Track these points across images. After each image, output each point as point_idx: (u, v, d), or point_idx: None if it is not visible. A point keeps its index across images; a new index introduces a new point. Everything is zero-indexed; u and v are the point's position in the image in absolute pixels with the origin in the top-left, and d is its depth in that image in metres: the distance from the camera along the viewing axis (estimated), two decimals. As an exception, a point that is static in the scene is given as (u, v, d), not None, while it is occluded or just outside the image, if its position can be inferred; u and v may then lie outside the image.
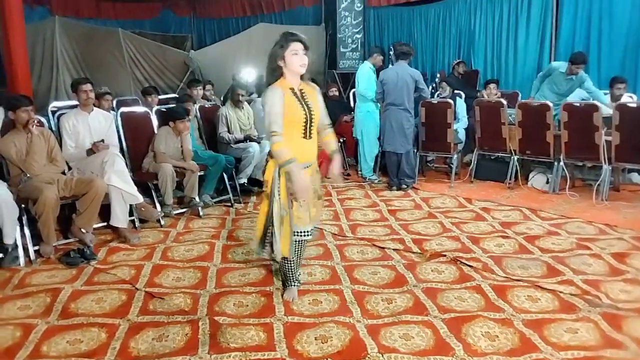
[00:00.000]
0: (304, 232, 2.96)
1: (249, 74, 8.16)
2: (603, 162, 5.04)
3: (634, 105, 5.07)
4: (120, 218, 4.15)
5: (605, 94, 5.89)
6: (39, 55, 8.12)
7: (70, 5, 10.91)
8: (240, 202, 5.30)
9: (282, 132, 2.75)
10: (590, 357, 2.46)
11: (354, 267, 3.58)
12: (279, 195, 2.85)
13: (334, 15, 9.58)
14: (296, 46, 2.77)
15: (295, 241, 2.98)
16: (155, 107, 5.38)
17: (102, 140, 4.40)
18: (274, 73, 2.84)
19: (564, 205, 4.98)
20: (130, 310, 3.00)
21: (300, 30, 10.39)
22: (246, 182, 5.58)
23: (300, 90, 2.86)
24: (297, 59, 2.77)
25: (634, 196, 5.29)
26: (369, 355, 2.50)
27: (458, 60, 8.78)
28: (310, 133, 2.87)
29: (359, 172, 6.35)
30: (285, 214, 2.86)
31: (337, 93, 7.77)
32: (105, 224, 4.29)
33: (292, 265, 3.09)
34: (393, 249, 3.89)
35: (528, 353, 2.50)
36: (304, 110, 2.82)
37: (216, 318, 2.88)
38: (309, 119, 2.83)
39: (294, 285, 3.15)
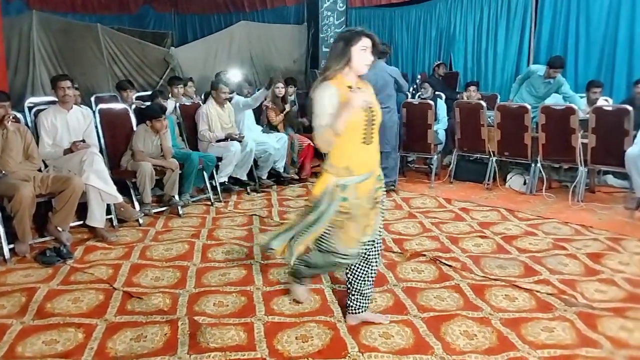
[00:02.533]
0: (349, 255, 2.58)
1: (235, 75, 8.11)
2: (579, 164, 5.14)
3: (610, 108, 5.18)
4: (97, 218, 4.09)
5: (582, 97, 6.01)
6: (15, 50, 7.94)
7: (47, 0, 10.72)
8: (220, 201, 5.27)
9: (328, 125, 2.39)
10: (567, 355, 2.50)
11: (334, 266, 3.58)
12: (325, 215, 2.48)
13: (316, 15, 9.58)
14: (367, 42, 2.46)
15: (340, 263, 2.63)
16: (134, 105, 5.31)
17: (83, 140, 4.33)
18: (335, 68, 2.48)
19: (540, 206, 5.06)
20: (107, 310, 2.96)
21: (283, 29, 10.44)
22: (227, 180, 5.55)
23: (359, 88, 2.46)
24: (364, 57, 2.47)
25: (609, 198, 5.40)
26: (349, 355, 2.51)
27: (438, 62, 8.87)
28: (371, 137, 2.51)
29: None
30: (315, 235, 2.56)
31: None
32: (82, 222, 4.21)
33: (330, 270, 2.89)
34: (373, 249, 3.90)
35: (505, 351, 2.53)
36: (365, 111, 2.44)
37: (196, 318, 2.86)
38: (370, 121, 2.48)
39: (302, 284, 2.98)
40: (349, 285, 2.79)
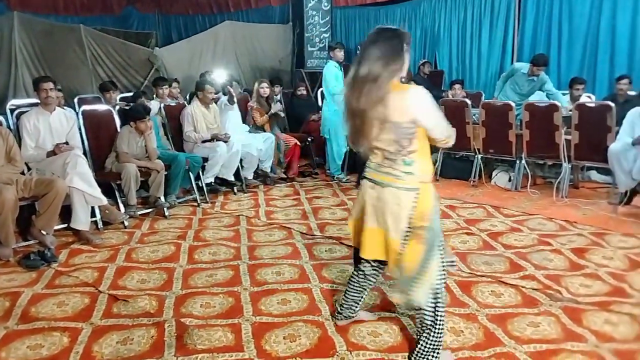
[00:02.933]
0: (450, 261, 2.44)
1: (219, 76, 8.07)
2: (563, 160, 5.20)
3: (592, 105, 5.24)
4: (82, 221, 4.04)
5: (565, 94, 6.08)
6: (-4, 52, 7.85)
7: (29, 0, 10.58)
8: (207, 202, 5.24)
9: None
10: (552, 349, 2.53)
11: (322, 265, 3.59)
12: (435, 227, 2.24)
13: (301, 15, 9.57)
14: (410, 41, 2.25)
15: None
16: (118, 106, 5.26)
17: (66, 143, 4.28)
18: (399, 70, 2.19)
19: (525, 203, 5.11)
20: (93, 313, 2.93)
21: (268, 28, 10.42)
22: (213, 181, 5.52)
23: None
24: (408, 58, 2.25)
25: (593, 193, 5.47)
26: (337, 353, 2.51)
27: (423, 61, 8.91)
28: None
29: (327, 171, 6.35)
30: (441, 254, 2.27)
31: (305, 92, 7.77)
32: (66, 225, 4.16)
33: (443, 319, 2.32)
34: (361, 247, 3.91)
35: (492, 347, 2.55)
36: None
37: (183, 320, 2.84)
38: None
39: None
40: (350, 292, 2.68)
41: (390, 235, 2.25)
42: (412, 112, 2.15)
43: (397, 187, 2.23)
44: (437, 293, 2.26)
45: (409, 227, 2.22)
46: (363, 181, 2.43)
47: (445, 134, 2.28)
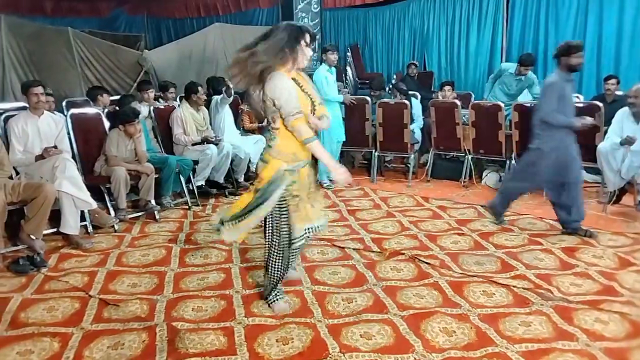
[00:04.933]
0: (311, 228, 2.81)
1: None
2: (552, 160, 5.22)
3: (581, 105, 5.27)
4: (71, 225, 4.00)
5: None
6: (-17, 56, 7.78)
7: (16, 3, 10.50)
8: (198, 205, 5.22)
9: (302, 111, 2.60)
10: (544, 349, 2.54)
11: (314, 267, 3.58)
12: (269, 200, 2.67)
13: (290, 17, 9.57)
14: (308, 38, 2.64)
15: (302, 238, 2.81)
16: (107, 109, 5.23)
17: (55, 146, 4.24)
18: (277, 61, 2.60)
19: (516, 203, 5.12)
20: (83, 318, 2.91)
21: (257, 30, 10.38)
22: (204, 184, 5.50)
23: (295, 79, 2.69)
24: (308, 52, 2.66)
25: (583, 193, 5.48)
26: (330, 355, 2.51)
27: (409, 63, 8.95)
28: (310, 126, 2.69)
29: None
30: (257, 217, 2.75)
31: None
32: (55, 229, 4.12)
33: (284, 264, 2.89)
34: (353, 249, 3.92)
35: (484, 347, 2.56)
36: (308, 99, 2.71)
37: (174, 324, 2.82)
38: (312, 109, 2.72)
39: (279, 299, 2.98)
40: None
41: None
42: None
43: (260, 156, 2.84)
44: (273, 242, 2.83)
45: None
46: None
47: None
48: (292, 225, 2.75)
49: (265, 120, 2.89)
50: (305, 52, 2.65)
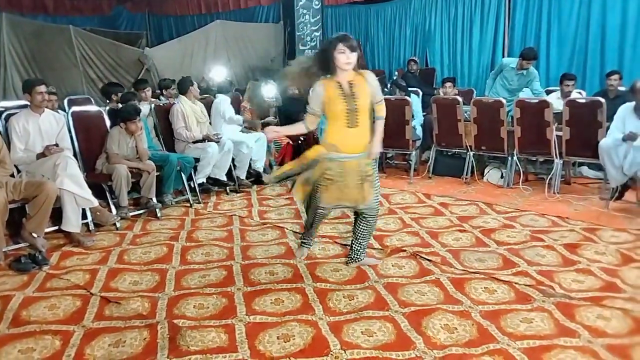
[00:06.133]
0: (341, 206, 3.45)
1: (218, 73, 8.08)
2: (554, 156, 5.22)
3: (583, 101, 5.26)
4: (73, 223, 4.01)
5: (555, 90, 6.10)
6: (-16, 54, 7.80)
7: (17, 1, 10.51)
8: (199, 202, 5.22)
9: (317, 112, 3.24)
10: (545, 345, 2.53)
11: (316, 264, 3.58)
12: (310, 171, 3.29)
13: (292, 13, 9.57)
14: (342, 46, 3.06)
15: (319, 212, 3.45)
16: (108, 107, 5.23)
17: (56, 144, 4.24)
18: (324, 69, 3.19)
19: (518, 199, 5.12)
20: (85, 316, 2.91)
21: (259, 27, 10.41)
22: (205, 181, 5.50)
23: (350, 82, 3.16)
24: (343, 57, 3.08)
25: (585, 189, 5.49)
26: (331, 352, 2.50)
27: (410, 59, 8.92)
28: (355, 122, 3.15)
29: None
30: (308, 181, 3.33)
31: (296, 91, 7.74)
32: (57, 227, 4.12)
33: (317, 220, 3.56)
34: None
35: (486, 344, 2.55)
36: (346, 102, 3.12)
37: (175, 321, 2.82)
38: (352, 110, 3.13)
39: (307, 246, 3.73)
40: (353, 238, 3.57)
41: None
42: None
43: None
44: (310, 200, 3.43)
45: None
46: None
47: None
48: (320, 197, 3.32)
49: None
50: (339, 58, 3.08)
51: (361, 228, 3.47)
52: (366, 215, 3.40)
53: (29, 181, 3.85)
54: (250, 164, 5.83)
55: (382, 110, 3.33)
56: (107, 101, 5.87)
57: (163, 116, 5.56)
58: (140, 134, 4.73)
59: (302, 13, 9.56)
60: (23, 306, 3.03)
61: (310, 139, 6.89)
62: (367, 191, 3.29)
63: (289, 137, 6.56)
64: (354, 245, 3.55)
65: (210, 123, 5.72)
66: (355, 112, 3.14)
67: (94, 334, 2.72)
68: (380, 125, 3.31)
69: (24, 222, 3.85)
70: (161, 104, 5.80)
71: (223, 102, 5.82)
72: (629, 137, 4.43)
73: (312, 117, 3.28)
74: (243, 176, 5.78)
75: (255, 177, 5.97)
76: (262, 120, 6.26)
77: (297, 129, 3.43)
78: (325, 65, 3.17)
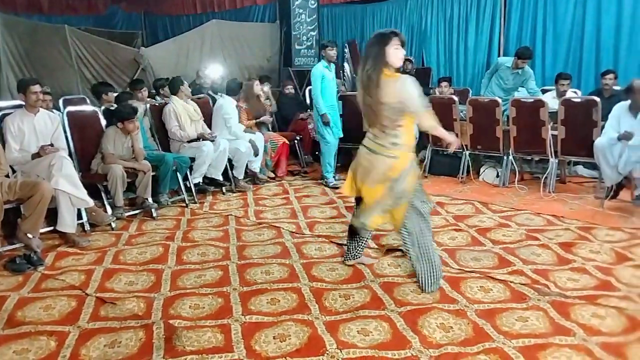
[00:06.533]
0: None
1: (214, 71, 8.07)
2: (550, 155, 5.23)
3: (578, 100, 5.28)
4: (68, 223, 4.00)
5: (551, 89, 6.11)
6: (-21, 54, 7.76)
7: (12, 1, 10.46)
8: (195, 202, 5.21)
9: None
10: (540, 344, 2.54)
11: (312, 264, 3.58)
12: (407, 190, 2.98)
13: (288, 13, 9.56)
14: (397, 42, 2.89)
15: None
16: (103, 107, 5.22)
17: (51, 144, 4.22)
18: (382, 63, 2.90)
19: (513, 198, 5.14)
20: (80, 316, 2.90)
21: (255, 27, 10.39)
22: (201, 181, 5.49)
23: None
24: (399, 53, 2.92)
25: (580, 188, 5.51)
26: (327, 352, 2.50)
27: (406, 58, 8.90)
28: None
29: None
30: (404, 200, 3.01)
31: (292, 90, 7.75)
32: (52, 228, 4.11)
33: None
34: (350, 245, 3.91)
35: (481, 342, 2.56)
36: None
37: (171, 321, 2.82)
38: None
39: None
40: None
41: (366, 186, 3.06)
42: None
43: (385, 155, 2.97)
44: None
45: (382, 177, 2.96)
46: (360, 147, 3.13)
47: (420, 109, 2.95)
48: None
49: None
50: (395, 54, 2.91)
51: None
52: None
53: (24, 181, 3.83)
54: (247, 164, 5.82)
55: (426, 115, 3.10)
56: (99, 100, 5.84)
57: (158, 116, 5.55)
58: (136, 133, 4.72)
59: (298, 12, 9.55)
60: (18, 307, 3.02)
61: (307, 139, 6.91)
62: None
63: (285, 136, 6.56)
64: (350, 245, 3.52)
65: (208, 122, 5.72)
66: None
67: (89, 334, 2.71)
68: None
69: (19, 222, 3.83)
70: (157, 104, 5.78)
71: (226, 106, 5.75)
72: (624, 137, 4.46)
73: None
74: (241, 176, 5.74)
75: (251, 178, 5.95)
76: (257, 120, 6.24)
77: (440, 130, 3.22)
78: (378, 61, 2.89)
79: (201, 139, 5.39)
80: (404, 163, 2.96)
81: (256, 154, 5.78)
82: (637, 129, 4.44)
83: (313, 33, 9.76)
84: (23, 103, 4.29)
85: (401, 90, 2.86)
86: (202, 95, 6.51)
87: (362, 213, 3.12)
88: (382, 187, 2.98)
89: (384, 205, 3.01)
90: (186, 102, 5.55)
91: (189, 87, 5.96)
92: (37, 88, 4.20)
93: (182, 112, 5.42)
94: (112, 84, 8.33)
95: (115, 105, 5.17)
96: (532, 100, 5.39)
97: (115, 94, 5.90)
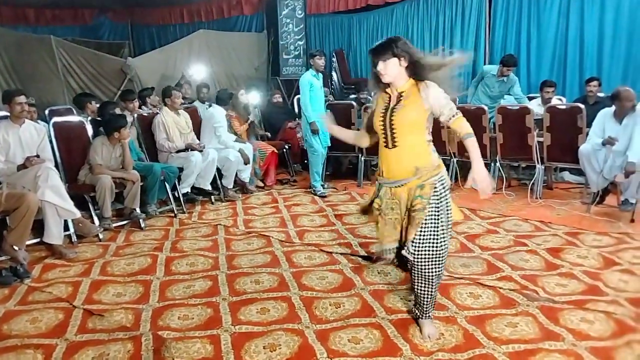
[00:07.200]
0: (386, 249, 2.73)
1: (198, 72, 8.06)
2: (536, 162, 5.28)
3: (563, 107, 5.34)
4: (55, 235, 3.96)
5: (536, 97, 6.18)
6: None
7: (-2, 11, 10.40)
8: (184, 212, 5.18)
9: (363, 127, 2.94)
10: (530, 349, 2.55)
11: (301, 273, 3.57)
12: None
13: (275, 22, 9.59)
14: (374, 60, 2.61)
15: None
16: (90, 117, 5.19)
17: (37, 155, 4.18)
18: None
19: (501, 205, 5.17)
20: (67, 329, 2.86)
21: (242, 36, 10.38)
22: (189, 191, 5.46)
23: (401, 93, 2.65)
24: (378, 70, 2.62)
25: (566, 194, 5.57)
26: (318, 361, 2.50)
27: None
28: (393, 142, 2.64)
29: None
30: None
31: (280, 99, 7.77)
32: (38, 239, 4.06)
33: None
34: (340, 254, 3.91)
35: (472, 349, 2.56)
36: (382, 118, 2.64)
37: (160, 333, 2.79)
38: (388, 128, 2.63)
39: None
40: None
41: None
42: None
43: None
44: None
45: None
46: None
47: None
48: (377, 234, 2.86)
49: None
50: (377, 72, 2.69)
51: (412, 278, 2.72)
52: (413, 261, 2.62)
53: (10, 193, 3.79)
54: (236, 173, 5.79)
55: (462, 127, 2.78)
56: (82, 111, 5.80)
57: (147, 126, 5.52)
58: (128, 141, 4.70)
59: (285, 22, 9.59)
60: (4, 320, 2.98)
61: (296, 148, 6.91)
62: (409, 229, 2.59)
63: (273, 145, 6.56)
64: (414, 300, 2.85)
65: (197, 132, 5.70)
66: (392, 129, 2.62)
67: (77, 347, 2.68)
68: (470, 145, 2.79)
69: (4, 234, 3.78)
70: (145, 114, 5.76)
71: (217, 115, 5.74)
72: (608, 142, 4.52)
73: (361, 131, 2.94)
74: (230, 185, 5.72)
75: (240, 187, 5.93)
76: (248, 121, 6.23)
77: (346, 135, 3.19)
78: (377, 79, 2.68)
79: (189, 149, 5.37)
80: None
81: (246, 163, 5.76)
82: (622, 135, 4.51)
83: (300, 42, 9.80)
84: (8, 114, 4.26)
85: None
86: (190, 105, 6.49)
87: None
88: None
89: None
90: (177, 114, 5.52)
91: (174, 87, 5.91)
92: (22, 99, 4.17)
93: (172, 125, 5.40)
94: (99, 95, 8.32)
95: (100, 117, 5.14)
96: (518, 107, 5.45)
97: (97, 105, 5.88)
